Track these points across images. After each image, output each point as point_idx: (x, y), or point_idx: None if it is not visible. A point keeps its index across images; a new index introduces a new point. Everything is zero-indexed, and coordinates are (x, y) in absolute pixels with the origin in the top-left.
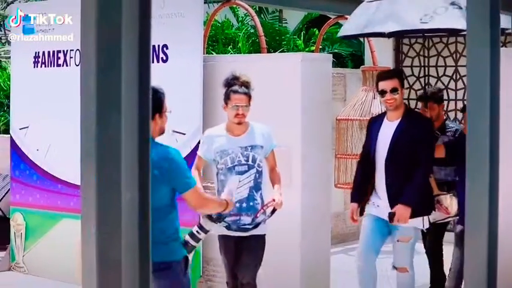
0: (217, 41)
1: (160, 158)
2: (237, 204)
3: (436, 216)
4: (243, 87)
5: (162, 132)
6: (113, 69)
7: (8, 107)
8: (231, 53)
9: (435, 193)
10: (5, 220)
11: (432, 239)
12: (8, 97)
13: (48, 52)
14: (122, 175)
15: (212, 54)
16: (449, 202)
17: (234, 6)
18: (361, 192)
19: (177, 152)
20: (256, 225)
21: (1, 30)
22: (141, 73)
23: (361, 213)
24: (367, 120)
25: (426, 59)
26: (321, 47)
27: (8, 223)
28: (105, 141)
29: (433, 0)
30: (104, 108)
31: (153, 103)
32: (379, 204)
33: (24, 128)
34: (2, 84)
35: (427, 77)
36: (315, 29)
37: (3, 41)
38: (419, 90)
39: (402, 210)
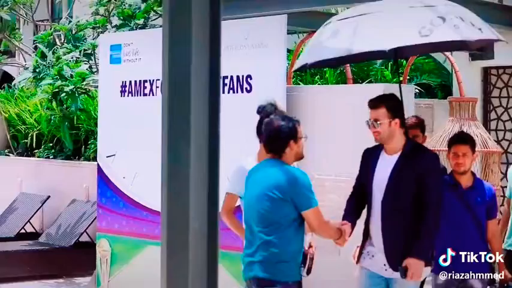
0: (305, 71)
1: (286, 179)
2: None
3: None
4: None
5: (299, 157)
6: (183, 100)
7: None
8: (318, 83)
9: None
10: (93, 246)
11: None
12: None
13: (135, 81)
14: (190, 205)
15: (299, 84)
16: None
17: None
18: (354, 215)
19: (302, 173)
20: None
21: (92, 59)
22: (211, 104)
23: (358, 261)
24: None
25: None
26: (409, 77)
27: (95, 249)
28: (175, 172)
29: (421, 13)
30: (173, 138)
31: (288, 131)
32: (374, 254)
33: (111, 155)
34: (92, 112)
35: None
36: (403, 60)
37: (93, 69)
38: (507, 121)
39: (415, 264)
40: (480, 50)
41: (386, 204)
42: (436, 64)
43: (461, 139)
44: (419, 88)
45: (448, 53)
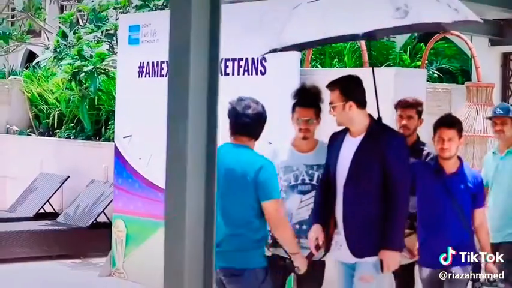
0: (325, 54)
1: (251, 166)
2: (297, 226)
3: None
4: (310, 99)
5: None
6: (182, 79)
7: None
8: (336, 67)
9: None
10: (110, 226)
11: (401, 285)
12: None
13: (153, 62)
14: (187, 183)
15: (318, 67)
16: (413, 242)
17: None
18: (322, 213)
19: (269, 163)
20: None
21: (113, 40)
22: (210, 84)
23: (327, 249)
24: (469, 136)
25: None
26: (427, 62)
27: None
28: (174, 151)
29: None
30: (173, 118)
31: (265, 115)
32: (341, 243)
33: (128, 136)
34: (113, 93)
35: None
36: (421, 44)
37: (115, 50)
38: None
39: (389, 256)
40: (499, 35)
41: (348, 187)
42: (457, 49)
43: (447, 122)
44: (438, 73)
45: (467, 38)
